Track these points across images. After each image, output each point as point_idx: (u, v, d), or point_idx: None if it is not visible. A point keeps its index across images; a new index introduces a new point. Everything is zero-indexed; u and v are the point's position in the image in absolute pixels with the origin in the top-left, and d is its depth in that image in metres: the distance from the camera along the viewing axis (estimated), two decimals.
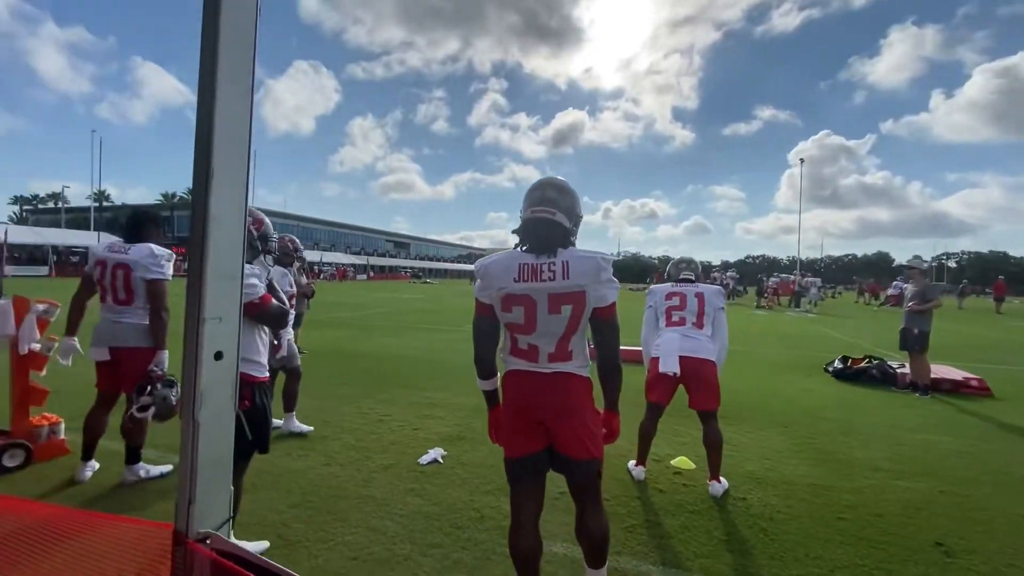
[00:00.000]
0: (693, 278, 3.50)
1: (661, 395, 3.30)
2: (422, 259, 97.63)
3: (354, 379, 5.96)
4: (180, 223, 50.72)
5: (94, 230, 38.75)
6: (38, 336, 3.27)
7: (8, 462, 3.08)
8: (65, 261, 35.58)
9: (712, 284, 3.52)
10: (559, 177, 1.90)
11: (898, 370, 6.62)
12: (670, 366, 3.14)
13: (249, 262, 2.35)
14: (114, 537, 1.03)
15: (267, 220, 2.54)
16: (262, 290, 2.26)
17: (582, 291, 1.72)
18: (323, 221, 76.52)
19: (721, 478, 3.18)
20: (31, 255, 34.06)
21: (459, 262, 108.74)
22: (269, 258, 2.61)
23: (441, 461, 3.50)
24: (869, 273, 57.34)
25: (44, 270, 32.93)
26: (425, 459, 3.49)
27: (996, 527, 2.81)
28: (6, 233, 29.46)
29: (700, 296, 3.31)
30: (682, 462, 3.62)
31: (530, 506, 1.84)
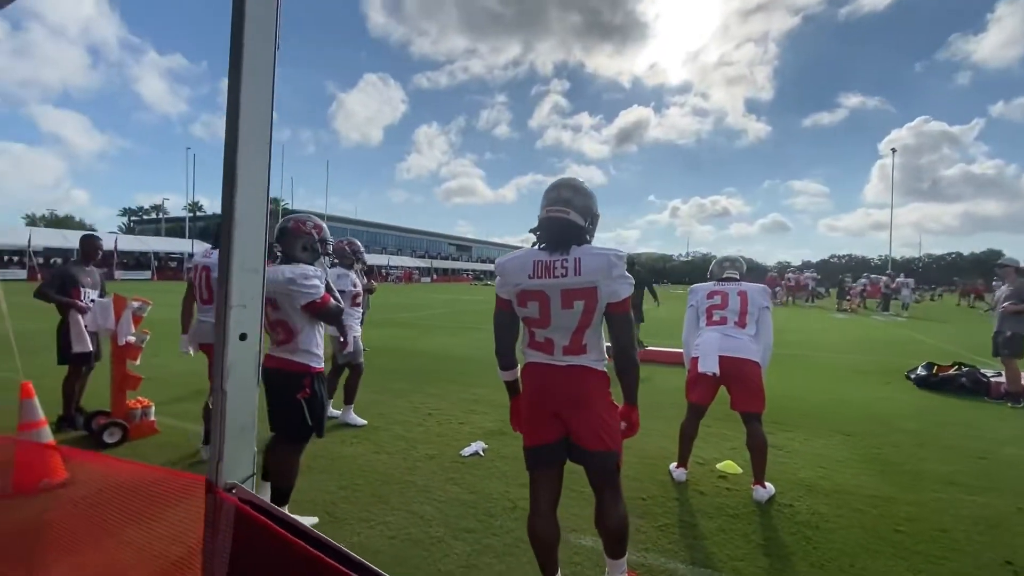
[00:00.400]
0: (737, 276, 3.40)
1: (701, 396, 3.23)
2: (483, 261, 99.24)
3: (409, 375, 6.25)
4: None
5: (188, 237, 42.92)
6: (133, 330, 3.74)
7: (108, 439, 3.54)
8: (164, 266, 39.64)
9: (757, 284, 3.39)
10: (576, 178, 1.96)
11: (992, 379, 5.98)
12: (709, 366, 3.07)
13: (311, 263, 2.60)
14: (163, 485, 1.23)
15: (324, 226, 2.77)
16: (322, 290, 2.48)
17: (594, 287, 1.77)
18: (390, 226, 79.77)
19: (767, 483, 3.06)
20: (137, 261, 38.19)
21: None
22: (327, 259, 2.84)
23: (482, 454, 3.62)
24: (977, 273, 51.26)
25: (147, 274, 36.83)
26: (467, 451, 3.63)
27: None
28: (116, 241, 33.34)
29: (743, 295, 3.20)
30: (728, 466, 3.52)
31: (546, 494, 1.90)
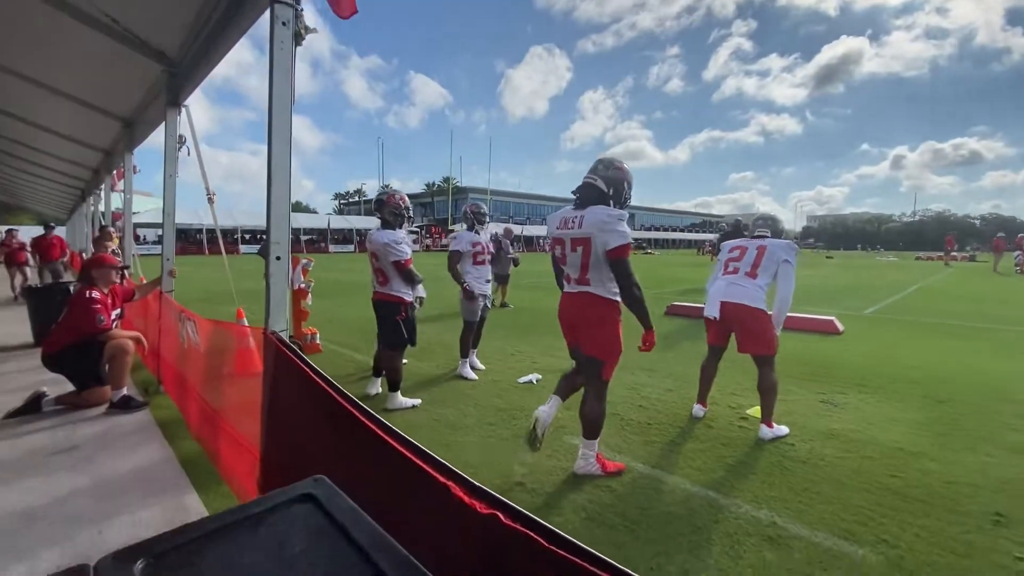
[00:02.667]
0: (768, 234, 3.51)
1: (713, 338, 3.51)
2: (648, 229, 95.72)
3: (519, 328, 7.19)
4: (439, 207, 61.52)
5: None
6: (303, 278, 5.32)
7: None
8: (362, 241, 47.36)
9: (783, 240, 3.43)
10: (616, 158, 2.63)
11: None
12: (710, 311, 3.35)
13: (399, 226, 3.68)
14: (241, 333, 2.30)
15: (407, 197, 3.82)
16: (408, 254, 3.54)
17: (588, 237, 2.45)
18: (550, 197, 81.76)
19: (774, 424, 3.25)
20: (344, 237, 46.30)
21: (693, 231, 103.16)
22: (409, 223, 3.88)
23: (534, 383, 4.37)
24: None
25: (351, 248, 44.47)
26: (523, 379, 4.42)
27: None
28: (329, 221, 41.00)
29: (761, 249, 3.33)
30: (756, 411, 3.69)
31: (576, 368, 2.82)
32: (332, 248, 40.65)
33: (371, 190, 71.71)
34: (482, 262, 4.62)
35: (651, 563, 1.98)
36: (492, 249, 4.93)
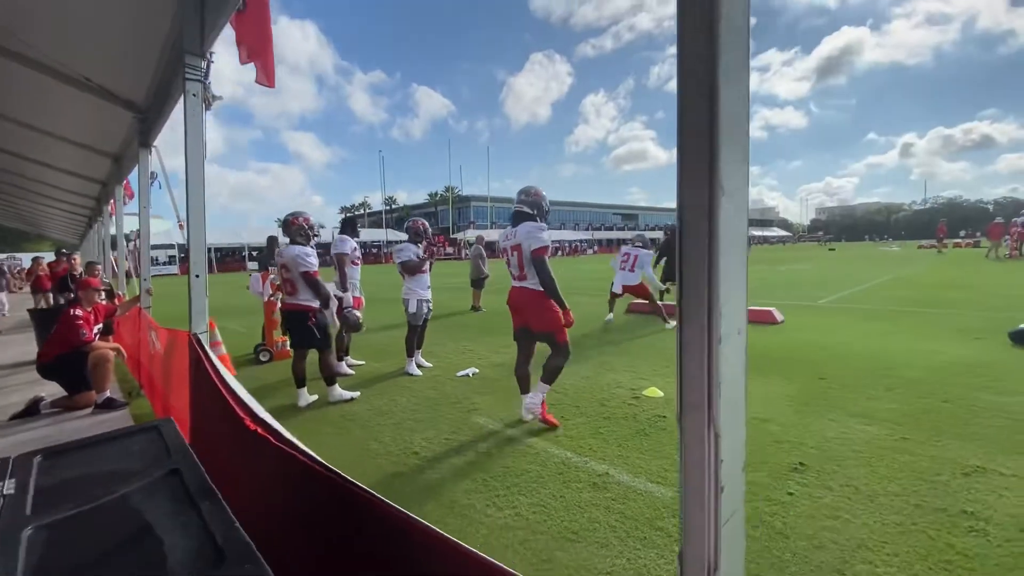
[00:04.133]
0: (641, 246, 4.38)
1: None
2: (654, 228, 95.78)
3: (475, 329, 7.75)
4: (442, 216, 62.55)
5: (384, 228, 51.39)
6: (271, 291, 5.94)
7: (262, 358, 5.79)
8: (366, 253, 48.31)
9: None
10: (533, 186, 3.54)
11: None
12: (616, 288, 4.08)
13: (306, 244, 4.17)
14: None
15: (311, 217, 4.29)
16: (316, 266, 4.06)
17: (519, 244, 3.34)
18: (552, 202, 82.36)
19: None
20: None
21: None
22: (313, 240, 4.40)
23: (471, 376, 4.92)
24: None
25: None
26: (460, 373, 4.98)
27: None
28: (333, 234, 42.04)
29: (635, 256, 4.06)
30: (651, 391, 4.20)
31: (521, 354, 3.67)
32: None
33: (375, 202, 73.01)
34: (424, 271, 5.18)
35: (488, 502, 2.52)
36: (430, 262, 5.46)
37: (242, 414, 1.70)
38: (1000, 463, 2.78)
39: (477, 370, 5.08)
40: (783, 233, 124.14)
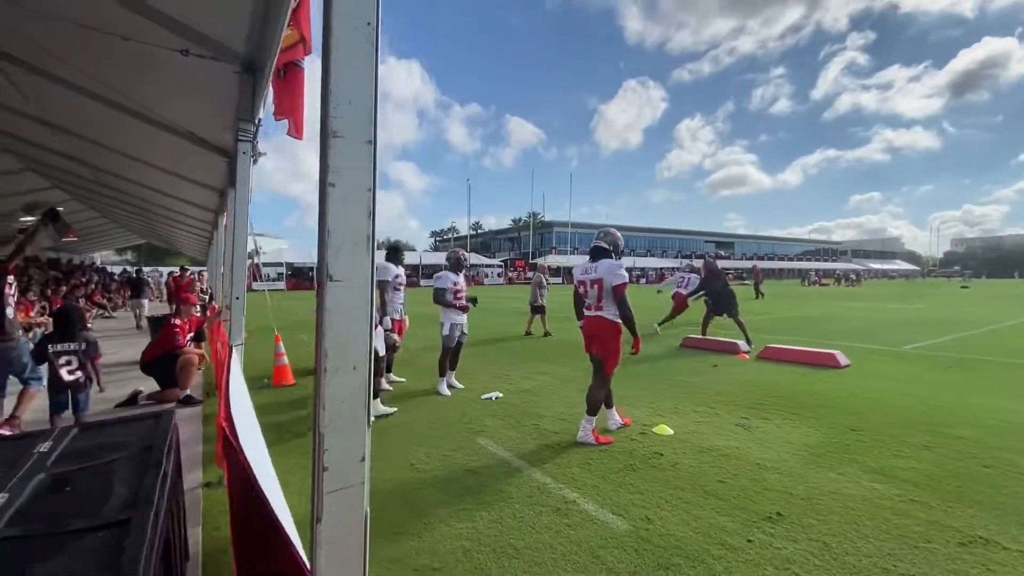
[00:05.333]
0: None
1: None
2: (750, 258, 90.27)
3: (519, 355, 8.00)
4: (523, 241, 63.91)
5: (470, 251, 53.68)
6: None
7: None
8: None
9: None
10: (610, 229, 4.06)
11: None
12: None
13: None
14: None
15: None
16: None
17: (600, 279, 3.81)
18: (640, 228, 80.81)
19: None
20: (435, 270, 49.97)
21: (805, 259, 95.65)
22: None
23: (494, 399, 5.19)
24: None
25: None
26: (485, 396, 5.26)
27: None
28: (421, 256, 44.61)
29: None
30: (660, 429, 4.19)
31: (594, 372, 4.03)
32: (423, 283, 44.00)
33: (462, 227, 76.29)
34: (460, 298, 5.56)
35: (453, 513, 2.76)
36: (464, 289, 5.81)
37: (223, 409, 2.14)
38: (1012, 536, 2.52)
39: (501, 395, 5.33)
40: (907, 267, 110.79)
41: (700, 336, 8.82)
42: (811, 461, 3.51)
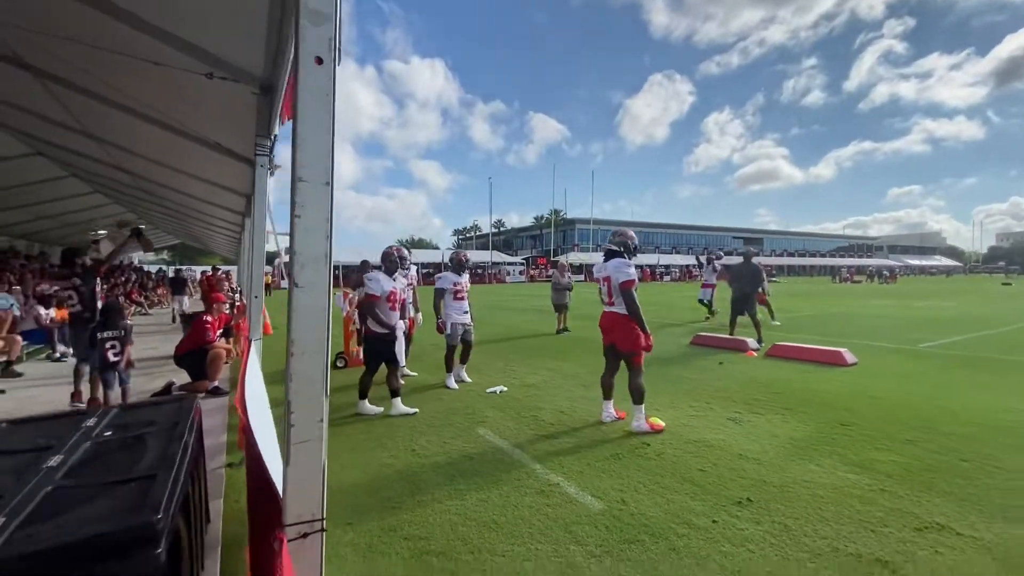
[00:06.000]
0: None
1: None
2: (780, 255, 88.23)
3: (530, 351, 8.24)
4: (545, 238, 63.99)
5: (491, 249, 54.00)
6: (348, 307, 7.05)
7: (339, 364, 6.88)
8: (473, 272, 50.98)
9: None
10: (622, 228, 4.36)
11: None
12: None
13: (389, 274, 5.05)
14: None
15: (402, 248, 5.18)
16: (376, 292, 4.89)
17: (608, 276, 4.17)
18: (665, 224, 79.92)
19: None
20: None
21: (839, 255, 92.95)
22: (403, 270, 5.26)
23: (498, 393, 5.45)
24: None
25: None
26: (490, 389, 5.53)
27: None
28: (442, 255, 45.22)
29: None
30: (653, 422, 4.37)
31: (608, 367, 4.42)
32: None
33: (484, 225, 76.78)
34: (461, 298, 5.79)
35: (445, 492, 3.04)
36: (466, 288, 5.99)
37: (239, 391, 2.47)
38: (968, 524, 2.65)
39: (506, 388, 5.59)
40: (948, 263, 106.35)
41: (710, 335, 8.89)
42: (793, 453, 3.66)
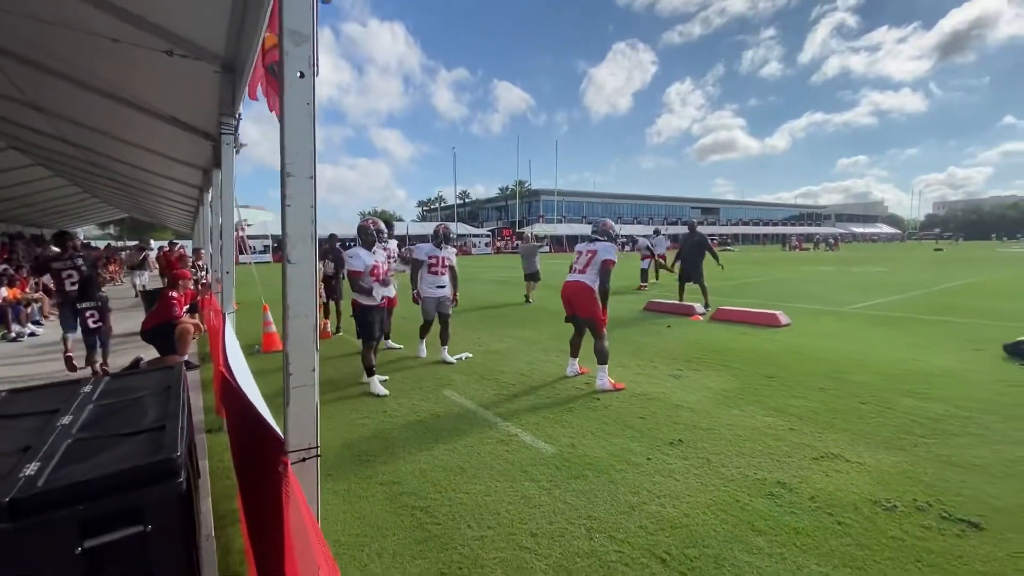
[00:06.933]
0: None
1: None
2: (735, 224, 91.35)
3: (497, 321, 8.61)
4: (511, 210, 64.07)
5: (456, 220, 53.72)
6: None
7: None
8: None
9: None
10: (603, 220, 4.72)
11: None
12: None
13: (367, 248, 5.15)
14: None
15: (379, 221, 5.28)
16: (358, 267, 5.02)
17: (595, 251, 4.61)
18: (625, 195, 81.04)
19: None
20: (422, 240, 50.29)
21: (791, 224, 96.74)
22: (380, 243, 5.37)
23: (464, 359, 5.79)
24: None
25: None
26: (456, 356, 5.85)
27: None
28: (407, 227, 44.73)
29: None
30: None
31: (576, 331, 4.92)
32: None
33: (449, 196, 75.93)
34: (435, 272, 5.90)
35: (416, 445, 3.39)
36: (447, 263, 6.10)
37: (222, 359, 2.69)
38: (858, 453, 3.19)
39: (471, 355, 5.94)
40: (890, 230, 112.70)
41: (661, 301, 9.47)
42: (722, 402, 4.17)
